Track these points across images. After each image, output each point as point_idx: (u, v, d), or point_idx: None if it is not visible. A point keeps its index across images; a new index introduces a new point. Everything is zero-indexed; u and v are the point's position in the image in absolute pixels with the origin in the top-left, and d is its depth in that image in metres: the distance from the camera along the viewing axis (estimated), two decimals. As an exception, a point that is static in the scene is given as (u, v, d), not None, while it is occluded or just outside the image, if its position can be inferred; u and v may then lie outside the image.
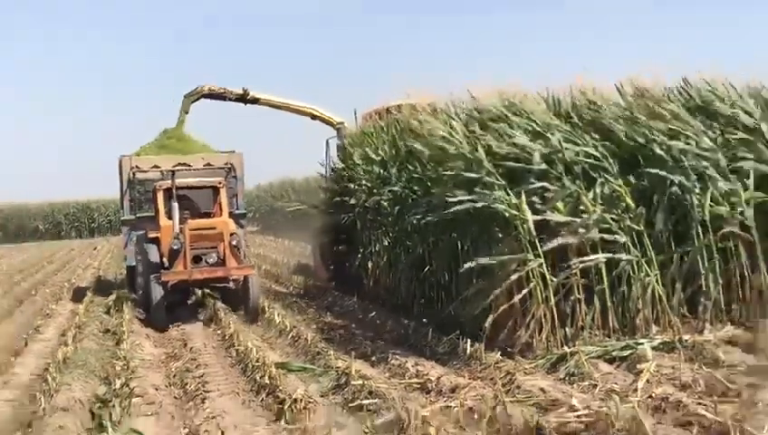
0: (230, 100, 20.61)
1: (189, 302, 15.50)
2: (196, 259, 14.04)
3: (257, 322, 13.64)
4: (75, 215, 55.03)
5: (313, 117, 20.90)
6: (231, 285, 15.02)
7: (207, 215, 15.47)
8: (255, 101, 20.88)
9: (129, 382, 8.89)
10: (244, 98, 20.64)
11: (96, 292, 18.23)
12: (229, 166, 17.34)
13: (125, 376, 9.23)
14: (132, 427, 7.28)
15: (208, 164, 17.41)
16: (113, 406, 7.85)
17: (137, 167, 17.33)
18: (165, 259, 14.43)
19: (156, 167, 17.20)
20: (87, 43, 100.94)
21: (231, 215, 15.73)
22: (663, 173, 9.86)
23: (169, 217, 14.68)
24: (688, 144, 10.02)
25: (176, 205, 14.48)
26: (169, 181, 14.93)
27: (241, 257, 14.51)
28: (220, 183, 15.63)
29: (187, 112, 20.24)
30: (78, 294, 18.45)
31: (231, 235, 14.27)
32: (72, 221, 54.93)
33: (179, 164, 16.50)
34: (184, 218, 14.52)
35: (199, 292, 15.33)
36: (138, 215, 17.12)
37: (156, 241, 15.11)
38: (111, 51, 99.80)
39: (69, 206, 55.16)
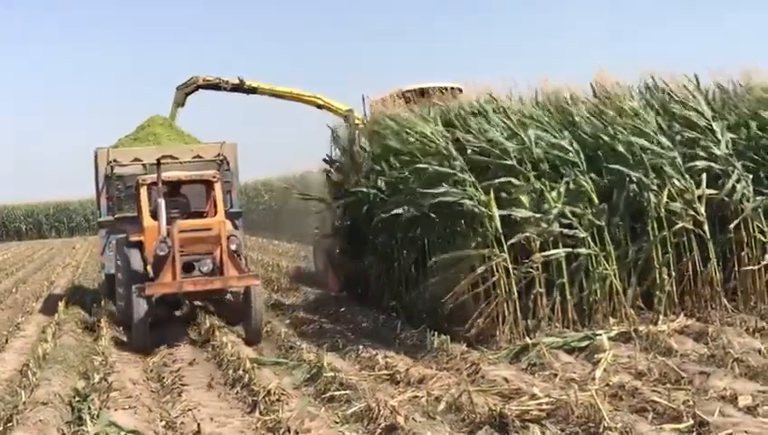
0: (226, 90, 19.00)
1: (178, 314, 13.04)
2: (188, 267, 11.17)
3: (260, 341, 11.22)
4: (55, 215, 54.72)
5: (319, 106, 19.14)
6: (229, 297, 12.18)
7: (199, 214, 12.96)
8: (253, 90, 19.25)
9: (107, 377, 8.82)
10: (240, 87, 19.05)
11: (72, 298, 16.02)
12: (222, 157, 14.92)
13: (103, 371, 9.16)
14: (111, 419, 7.22)
15: (198, 156, 15.00)
16: (92, 400, 7.78)
17: (115, 160, 14.84)
18: (149, 267, 11.77)
19: (137, 160, 14.78)
20: (74, 34, 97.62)
21: (225, 214, 12.84)
22: (625, 170, 9.95)
23: (154, 216, 11.92)
24: (649, 142, 10.12)
25: (162, 202, 11.58)
26: (154, 175, 12.05)
27: (242, 265, 11.68)
28: (214, 176, 12.78)
29: (180, 105, 18.68)
30: (57, 293, 18.25)
31: (229, 237, 11.39)
32: (52, 221, 54.60)
33: (165, 156, 13.55)
34: (172, 218, 11.75)
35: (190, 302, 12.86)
36: (117, 215, 14.53)
37: (138, 245, 12.30)
38: (95, 45, 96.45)
39: (49, 206, 54.81)
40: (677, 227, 9.90)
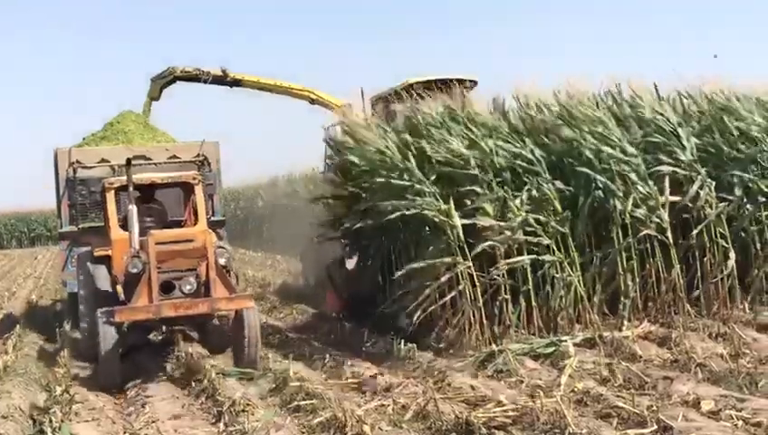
0: (206, 82, 17.30)
1: (152, 339, 10.95)
2: (166, 287, 9.40)
3: (253, 375, 9.31)
4: (15, 225, 53.93)
5: (312, 101, 17.46)
6: (215, 321, 10.47)
7: (177, 223, 11.24)
8: (237, 82, 17.52)
9: (69, 389, 8.72)
10: (223, 79, 17.37)
11: (31, 319, 14.96)
12: (202, 158, 13.33)
13: (65, 383, 9.06)
14: (73, 432, 7.15)
15: (174, 156, 13.41)
16: (54, 412, 7.69)
17: (77, 161, 13.12)
18: (119, 287, 9.83)
19: (104, 161, 13.14)
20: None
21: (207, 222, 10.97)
22: (591, 174, 10.05)
23: (125, 226, 10.11)
24: (612, 149, 10.22)
25: (134, 209, 9.78)
26: (124, 177, 10.30)
27: (232, 283, 9.85)
28: (195, 178, 10.83)
29: (155, 99, 17.03)
30: (19, 302, 18.01)
31: (217, 250, 9.72)
32: (12, 231, 53.82)
33: (137, 157, 12.02)
34: (146, 228, 10.03)
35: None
36: (81, 225, 12.82)
37: (105, 261, 10.40)
38: (56, 34, 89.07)
39: (8, 217, 54.01)
40: (642, 233, 10.00)
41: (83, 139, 15.15)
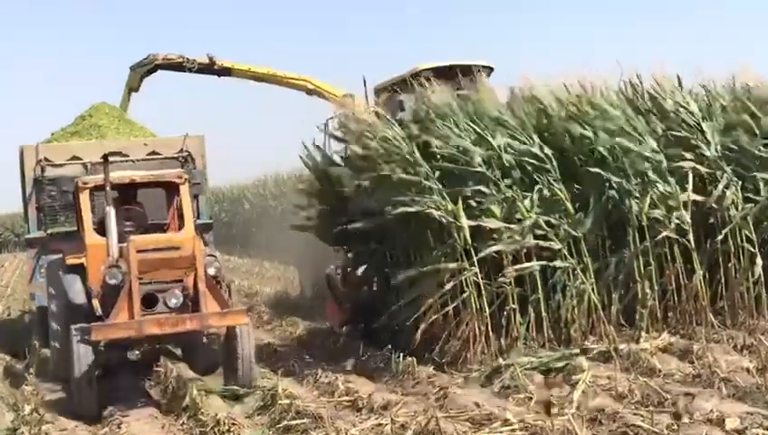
0: (191, 71, 16.89)
1: (131, 356, 10.74)
2: (149, 301, 8.97)
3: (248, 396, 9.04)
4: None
5: (309, 91, 17.03)
6: (204, 339, 10.18)
7: (159, 228, 10.71)
8: (227, 71, 17.14)
9: (38, 409, 8.71)
10: (210, 68, 16.99)
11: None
12: (185, 154, 12.94)
13: (35, 401, 9.06)
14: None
15: (154, 152, 13.00)
16: (22, 433, 7.70)
17: (46, 159, 12.64)
18: (95, 301, 9.31)
19: (76, 158, 12.71)
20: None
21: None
22: (604, 174, 10.04)
23: (101, 231, 9.61)
24: (632, 143, 10.18)
25: (112, 212, 9.28)
26: (99, 176, 9.80)
27: (224, 296, 9.44)
28: (180, 177, 10.38)
29: (134, 90, 16.67)
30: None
31: (207, 258, 9.35)
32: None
33: (112, 153, 10.60)
34: (125, 233, 9.59)
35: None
36: (50, 230, 12.42)
37: (79, 270, 9.79)
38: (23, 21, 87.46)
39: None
40: (660, 236, 10.00)
41: (52, 134, 14.71)
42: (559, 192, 9.93)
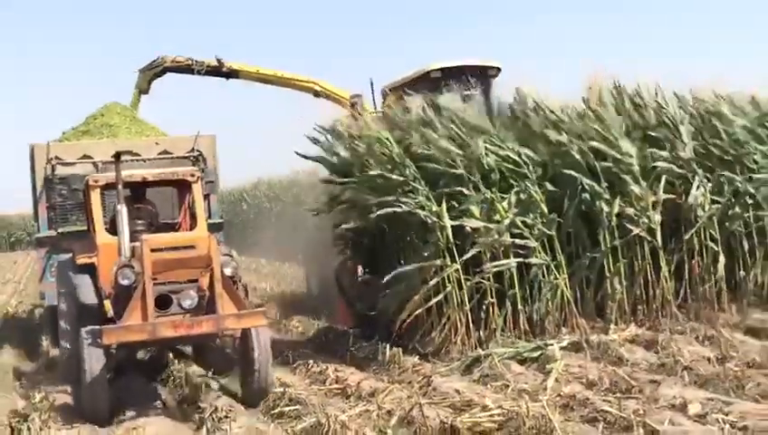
0: (200, 73, 16.02)
1: (140, 356, 9.90)
2: (163, 302, 8.09)
3: (260, 402, 8.34)
4: (-7, 229, 53.58)
5: (316, 93, 16.11)
6: (218, 341, 9.50)
7: (170, 227, 10.04)
8: (235, 73, 16.26)
9: (48, 396, 8.69)
10: (218, 70, 16.09)
11: (7, 327, 14.46)
12: (197, 153, 12.19)
13: (45, 389, 9.03)
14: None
15: (166, 151, 12.27)
16: (32, 419, 7.68)
17: (57, 158, 11.92)
18: (107, 302, 8.61)
19: (86, 157, 11.98)
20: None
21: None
22: (579, 177, 10.05)
23: (113, 230, 8.97)
24: (604, 147, 10.20)
25: (124, 210, 8.57)
26: (110, 174, 9.12)
27: (241, 297, 8.60)
28: (193, 175, 9.70)
29: (144, 92, 15.80)
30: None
31: (223, 258, 8.55)
32: (-9, 236, 53.45)
33: (124, 152, 9.87)
34: (136, 232, 8.93)
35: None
36: (60, 230, 11.67)
37: (90, 270, 9.11)
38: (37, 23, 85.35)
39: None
40: (632, 234, 10.00)
41: (63, 133, 13.94)
42: (534, 193, 9.95)
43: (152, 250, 8.08)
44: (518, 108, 10.91)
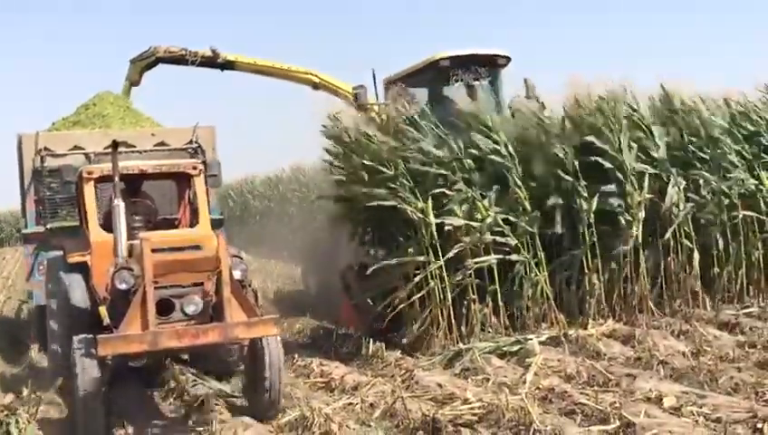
0: (194, 64, 14.97)
1: (135, 364, 8.41)
2: (164, 307, 7.00)
3: (275, 415, 7.41)
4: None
5: (315, 85, 15.05)
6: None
7: (170, 224, 9.11)
8: (230, 64, 15.23)
9: (36, 390, 8.60)
10: (213, 61, 15.09)
11: None
12: (195, 145, 11.35)
13: (33, 384, 8.94)
14: (39, 433, 7.08)
15: (162, 143, 11.44)
16: (20, 413, 7.61)
17: (46, 148, 10.96)
18: (102, 308, 7.51)
19: (78, 148, 11.07)
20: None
21: None
22: (560, 174, 10.04)
23: (107, 226, 8.01)
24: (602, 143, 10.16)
25: (121, 205, 7.53)
26: (106, 165, 8.33)
27: (251, 303, 7.32)
28: (195, 168, 8.80)
29: (134, 84, 14.83)
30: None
31: (232, 259, 7.44)
32: (-20, 233, 53.06)
33: (118, 144, 8.22)
34: (133, 230, 8.03)
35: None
36: (50, 225, 10.51)
37: (83, 270, 8.20)
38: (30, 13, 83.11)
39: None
40: (622, 235, 9.98)
41: (53, 124, 12.92)
42: (518, 191, 9.94)
43: (153, 250, 6.99)
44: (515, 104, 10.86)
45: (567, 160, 10.13)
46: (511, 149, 10.14)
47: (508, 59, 12.14)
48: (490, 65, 11.92)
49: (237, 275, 7.33)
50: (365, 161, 9.82)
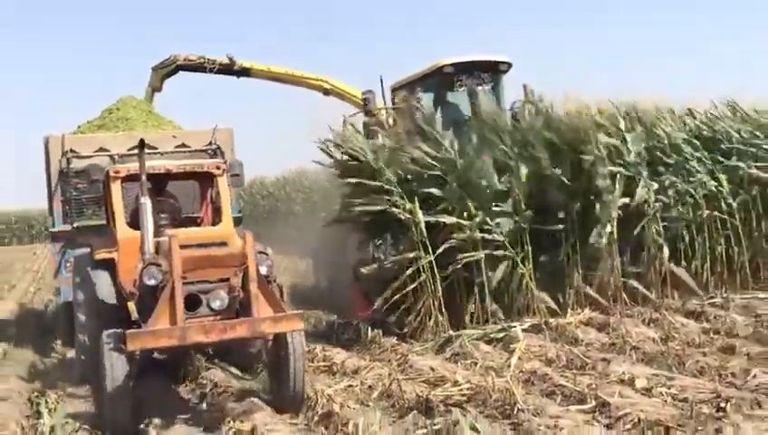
0: (212, 72, 14.80)
1: (159, 356, 7.89)
2: (191, 303, 6.72)
3: (299, 410, 6.97)
4: (16, 223, 53.20)
5: (326, 91, 14.84)
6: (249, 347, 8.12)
7: (193, 222, 8.82)
8: (246, 72, 15.04)
9: (63, 380, 8.58)
10: (230, 68, 14.89)
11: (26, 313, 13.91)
12: (215, 147, 11.05)
13: (61, 367, 8.96)
14: (67, 413, 7.08)
15: (183, 145, 11.10)
16: (49, 395, 7.62)
17: (72, 150, 10.68)
18: (131, 304, 7.18)
19: (103, 150, 10.78)
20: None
21: None
22: (548, 173, 9.97)
23: (134, 224, 7.84)
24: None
25: (148, 203, 7.27)
26: (132, 165, 8.14)
27: (277, 298, 6.98)
28: (219, 168, 8.49)
29: (157, 90, 14.67)
30: (17, 293, 17.75)
31: (258, 255, 6.97)
32: (14, 229, 53.05)
33: (141, 145, 7.65)
34: (159, 227, 7.71)
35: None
36: (76, 224, 10.35)
37: (109, 267, 7.94)
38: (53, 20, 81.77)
39: (9, 215, 53.22)
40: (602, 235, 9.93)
41: (78, 127, 12.57)
42: (517, 190, 9.85)
43: (182, 247, 6.70)
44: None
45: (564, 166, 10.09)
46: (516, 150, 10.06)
47: (509, 65, 12.02)
48: (492, 71, 11.81)
49: (263, 270, 6.97)
50: (360, 179, 9.74)
